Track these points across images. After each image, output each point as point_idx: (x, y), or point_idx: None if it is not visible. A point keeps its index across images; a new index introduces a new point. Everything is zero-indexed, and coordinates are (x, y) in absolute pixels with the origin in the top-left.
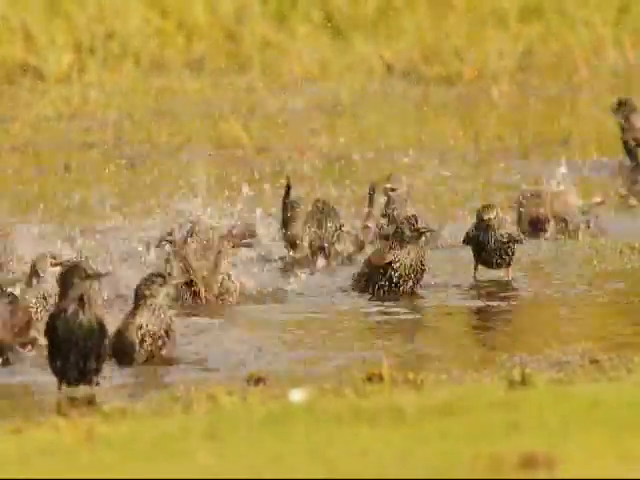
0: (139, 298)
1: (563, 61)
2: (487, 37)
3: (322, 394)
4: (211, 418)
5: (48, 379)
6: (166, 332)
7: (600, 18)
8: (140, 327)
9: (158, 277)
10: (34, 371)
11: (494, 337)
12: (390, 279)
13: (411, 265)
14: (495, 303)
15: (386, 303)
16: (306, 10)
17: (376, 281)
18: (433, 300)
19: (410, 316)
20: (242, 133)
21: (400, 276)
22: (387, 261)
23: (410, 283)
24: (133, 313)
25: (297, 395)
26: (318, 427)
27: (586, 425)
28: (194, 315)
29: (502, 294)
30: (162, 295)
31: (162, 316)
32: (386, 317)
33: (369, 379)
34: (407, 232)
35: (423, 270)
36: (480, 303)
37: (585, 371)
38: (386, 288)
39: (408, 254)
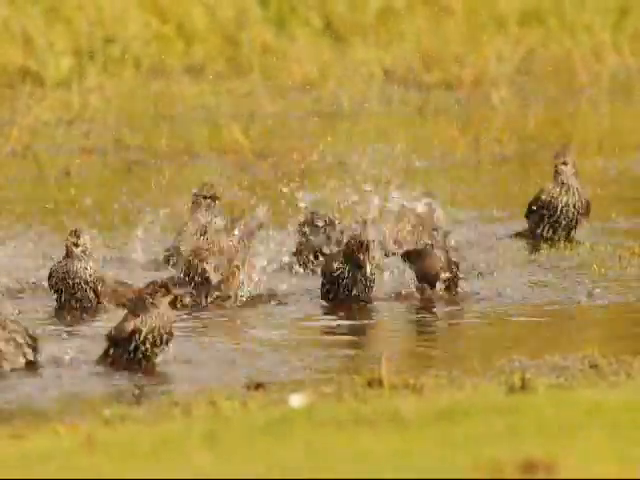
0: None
1: (563, 66)
2: (487, 42)
3: (322, 399)
4: (211, 423)
5: (48, 383)
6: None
7: (600, 23)
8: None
9: (161, 287)
10: (34, 376)
11: (494, 342)
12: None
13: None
14: (494, 308)
15: (385, 308)
16: (306, 15)
17: (327, 289)
18: (432, 305)
19: (409, 321)
20: (242, 138)
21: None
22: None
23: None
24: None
25: (297, 400)
26: (318, 432)
27: (586, 430)
28: (194, 318)
29: (501, 299)
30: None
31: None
32: (385, 322)
33: (369, 384)
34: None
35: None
36: (479, 308)
37: (585, 376)
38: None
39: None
